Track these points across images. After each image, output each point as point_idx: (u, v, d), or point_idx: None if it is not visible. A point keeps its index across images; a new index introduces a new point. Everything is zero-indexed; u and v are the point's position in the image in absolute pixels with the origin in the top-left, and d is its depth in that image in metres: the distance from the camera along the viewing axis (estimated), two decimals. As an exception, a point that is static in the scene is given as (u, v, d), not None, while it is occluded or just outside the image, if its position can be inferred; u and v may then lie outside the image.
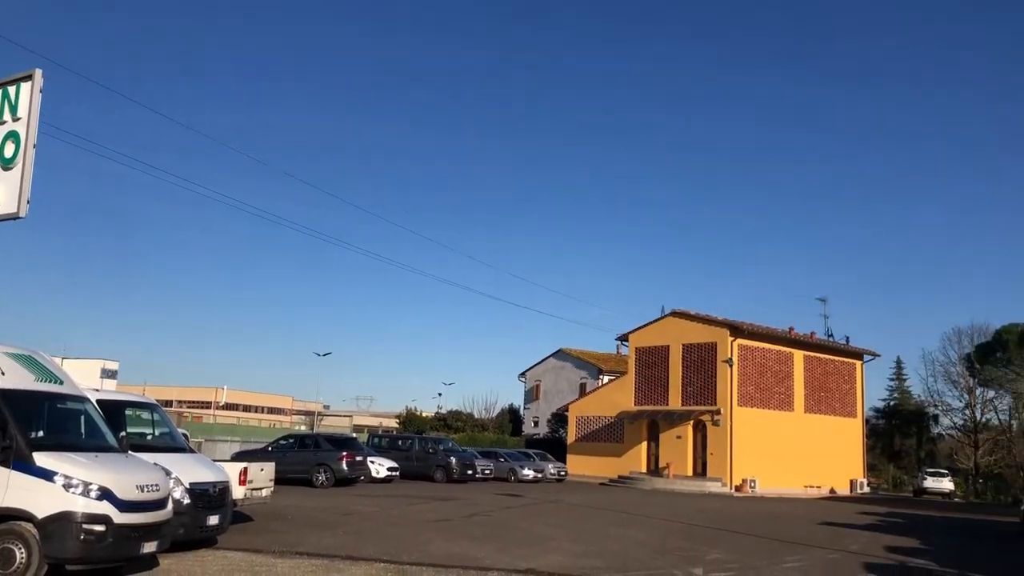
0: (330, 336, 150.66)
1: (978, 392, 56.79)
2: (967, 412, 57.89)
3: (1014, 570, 14.59)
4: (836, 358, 45.35)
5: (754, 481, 37.95)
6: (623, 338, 45.75)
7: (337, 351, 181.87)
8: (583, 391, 55.70)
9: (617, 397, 44.38)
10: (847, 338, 47.14)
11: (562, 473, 40.50)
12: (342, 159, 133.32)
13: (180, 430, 14.07)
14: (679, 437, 40.69)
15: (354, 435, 40.72)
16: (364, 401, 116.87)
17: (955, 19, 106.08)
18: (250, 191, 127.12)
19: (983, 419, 57.60)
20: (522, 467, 38.09)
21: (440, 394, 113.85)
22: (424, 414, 65.13)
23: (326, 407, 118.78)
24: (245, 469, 14.92)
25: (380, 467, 31.30)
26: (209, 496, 11.78)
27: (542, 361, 64.95)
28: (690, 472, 39.99)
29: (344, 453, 28.00)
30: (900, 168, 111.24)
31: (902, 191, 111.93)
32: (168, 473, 10.68)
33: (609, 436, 44.54)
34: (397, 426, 63.68)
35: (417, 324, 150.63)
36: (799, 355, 43.19)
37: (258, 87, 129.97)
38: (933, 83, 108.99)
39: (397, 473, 32.16)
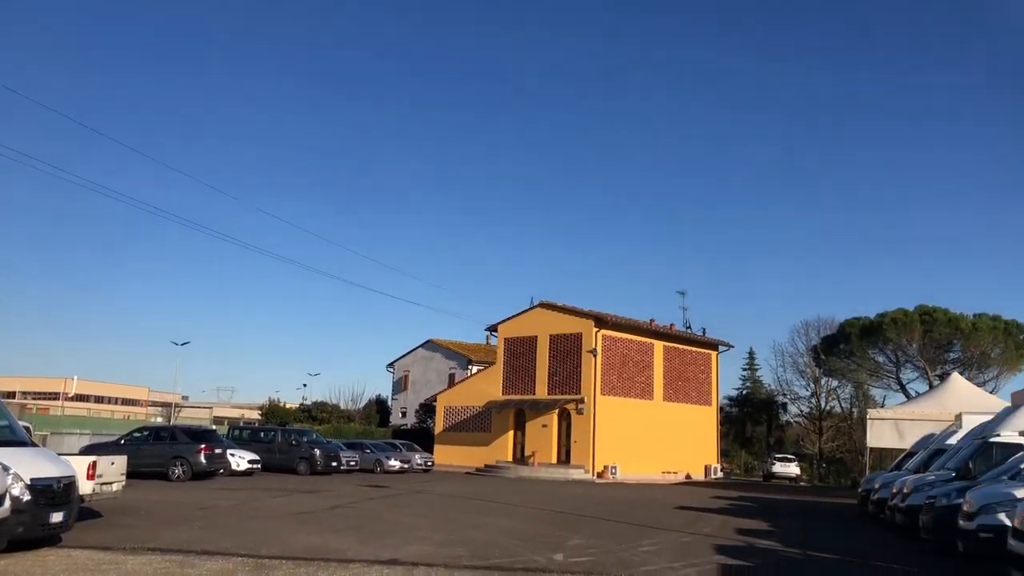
0: (189, 324, 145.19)
1: (823, 381, 60.55)
2: (813, 400, 61.72)
3: (850, 548, 15.61)
4: (693, 349, 47.23)
5: (615, 468, 39.10)
6: (492, 328, 46.18)
7: (196, 340, 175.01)
8: (452, 381, 55.83)
9: (485, 387, 44.77)
10: (704, 330, 49.21)
11: (429, 463, 40.55)
12: (200, 138, 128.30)
13: (22, 423, 13.23)
14: (545, 426, 41.46)
15: (213, 427, 39.52)
16: (225, 392, 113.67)
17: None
18: (99, 169, 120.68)
19: (827, 407, 61.50)
20: (388, 458, 37.91)
21: (305, 385, 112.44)
22: (288, 405, 63.89)
23: (185, 398, 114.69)
24: (94, 463, 14.28)
25: (240, 460, 30.62)
26: (52, 492, 11.15)
27: (411, 351, 64.77)
28: (555, 460, 40.82)
29: (202, 446, 27.26)
30: (754, 165, 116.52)
31: (759, 188, 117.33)
32: (6, 469, 10.06)
33: (477, 426, 44.88)
34: (260, 418, 62.17)
35: (282, 313, 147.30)
36: (659, 346, 44.75)
37: (87, 50, 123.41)
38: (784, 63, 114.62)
39: (259, 466, 31.50)
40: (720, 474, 47.53)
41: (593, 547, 13.65)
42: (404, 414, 62.42)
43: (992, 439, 17.45)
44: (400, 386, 64.70)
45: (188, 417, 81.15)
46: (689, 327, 49.23)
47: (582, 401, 40.20)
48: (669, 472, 42.48)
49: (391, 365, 65.91)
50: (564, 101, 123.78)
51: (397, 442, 42.51)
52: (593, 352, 40.43)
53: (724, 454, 53.22)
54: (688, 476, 43.59)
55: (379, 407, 65.63)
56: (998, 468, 15.23)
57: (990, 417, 20.34)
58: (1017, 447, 16.71)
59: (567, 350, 41.69)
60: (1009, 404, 21.62)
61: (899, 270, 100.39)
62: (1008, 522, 10.72)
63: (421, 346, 64.12)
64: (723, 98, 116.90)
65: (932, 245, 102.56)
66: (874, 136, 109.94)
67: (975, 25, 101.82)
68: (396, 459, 38.10)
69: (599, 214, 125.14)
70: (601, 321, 41.34)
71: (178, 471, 26.51)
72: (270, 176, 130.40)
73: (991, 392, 41.74)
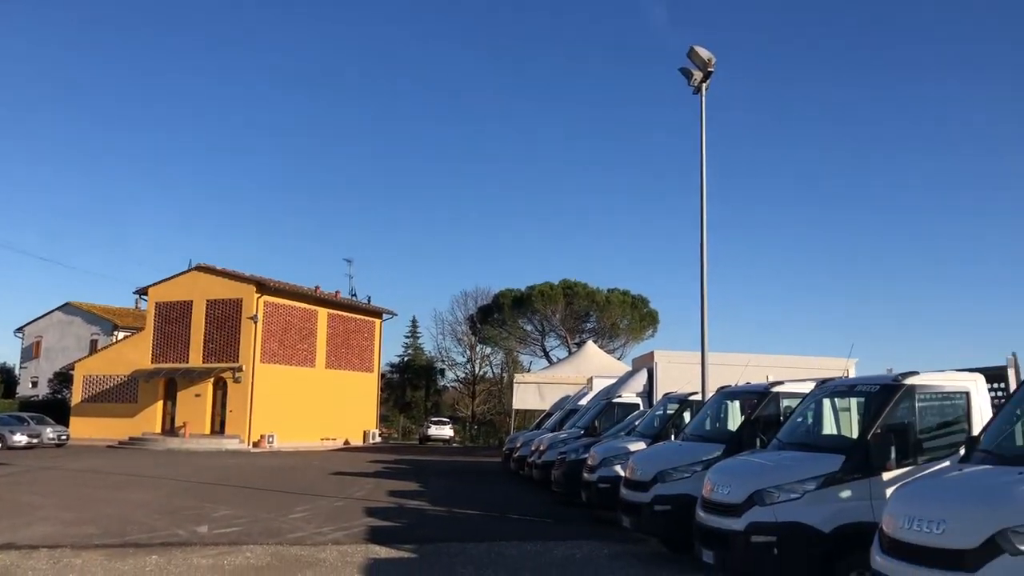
0: None
1: (478, 349, 64.42)
2: (468, 366, 65.50)
3: (492, 503, 16.77)
4: (358, 316, 47.61)
5: (272, 436, 38.42)
6: (142, 292, 43.20)
7: None
8: (94, 348, 51.51)
9: (132, 354, 41.73)
10: (369, 298, 49.81)
11: (63, 437, 36.96)
12: None
13: None
14: (198, 395, 39.65)
15: None
16: None
17: None
18: None
19: (481, 373, 65.62)
20: (13, 432, 34.08)
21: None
22: None
23: None
24: None
25: None
26: None
27: (45, 315, 58.96)
28: (208, 430, 39.27)
29: None
30: (427, 142, 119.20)
31: (428, 162, 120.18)
32: None
33: (121, 396, 41.75)
34: None
35: None
36: (323, 313, 44.52)
37: None
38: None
39: None
40: (379, 439, 48.52)
41: (241, 517, 13.34)
42: (35, 384, 56.74)
43: (615, 399, 19.66)
44: (31, 353, 58.52)
45: None
46: (355, 295, 49.57)
47: (240, 369, 38.90)
48: (328, 439, 42.51)
49: (20, 330, 59.64)
50: (229, 65, 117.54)
51: (25, 415, 38.33)
52: (254, 319, 39.24)
53: (383, 419, 54.47)
54: (347, 442, 43.96)
55: (4, 376, 58.91)
56: (618, 425, 17.25)
57: (615, 380, 22.85)
58: (634, 406, 19.03)
59: (225, 316, 40.06)
60: (631, 369, 24.46)
61: (552, 245, 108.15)
62: (623, 473, 12.08)
63: (58, 309, 58.61)
64: (411, 79, 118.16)
65: (581, 223, 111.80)
66: (535, 122, 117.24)
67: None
68: (23, 433, 34.36)
69: (266, 180, 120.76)
70: (263, 287, 40.21)
71: None
72: None
73: (619, 358, 46.84)
